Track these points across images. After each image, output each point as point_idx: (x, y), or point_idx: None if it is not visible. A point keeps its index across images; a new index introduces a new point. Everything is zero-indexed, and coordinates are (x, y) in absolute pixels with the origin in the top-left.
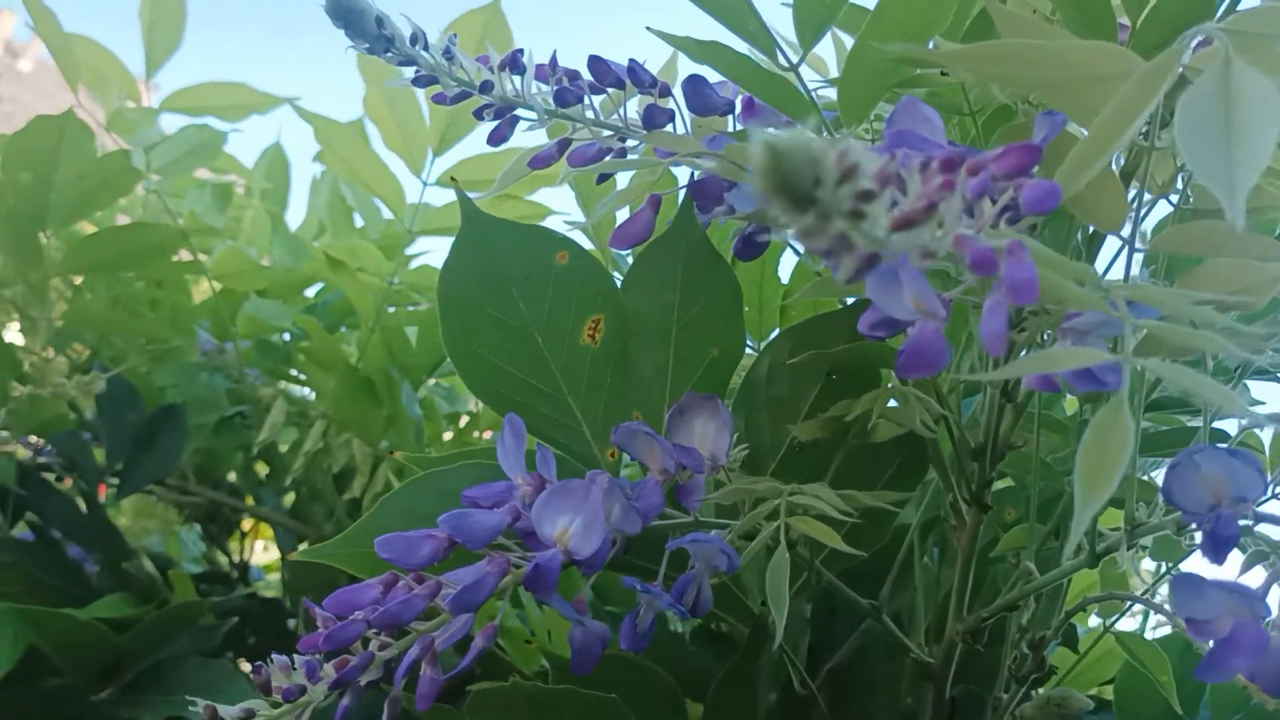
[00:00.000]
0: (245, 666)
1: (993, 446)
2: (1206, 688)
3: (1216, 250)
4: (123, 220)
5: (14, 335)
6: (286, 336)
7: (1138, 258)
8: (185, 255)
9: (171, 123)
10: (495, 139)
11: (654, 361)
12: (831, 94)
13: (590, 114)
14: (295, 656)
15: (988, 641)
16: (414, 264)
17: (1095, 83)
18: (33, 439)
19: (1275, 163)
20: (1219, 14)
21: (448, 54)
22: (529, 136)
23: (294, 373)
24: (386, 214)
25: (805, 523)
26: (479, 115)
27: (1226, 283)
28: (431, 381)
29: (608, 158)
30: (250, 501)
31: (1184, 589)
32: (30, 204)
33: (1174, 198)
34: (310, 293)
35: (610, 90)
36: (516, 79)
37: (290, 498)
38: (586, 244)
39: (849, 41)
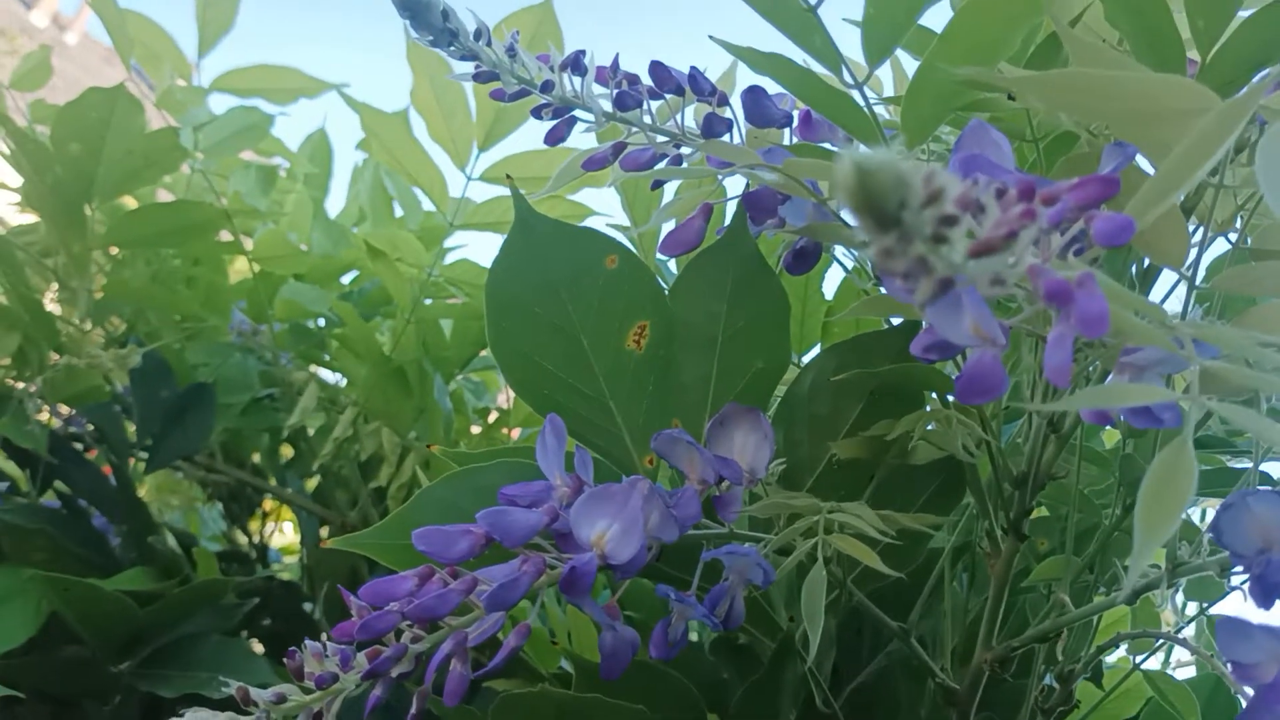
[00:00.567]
0: (258, 648)
1: (1034, 475)
2: None
3: (1276, 291)
4: (166, 197)
5: (52, 305)
6: (321, 322)
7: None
8: (227, 236)
9: (220, 103)
10: (553, 139)
11: (698, 370)
12: (889, 113)
13: (647, 119)
14: (329, 644)
15: (1014, 671)
16: (452, 257)
17: (1169, 117)
18: (65, 409)
19: None
20: None
21: (511, 51)
22: (579, 138)
23: (327, 359)
24: (426, 205)
25: (844, 541)
26: (537, 114)
27: None
28: (461, 376)
29: (661, 164)
30: (274, 484)
31: (1229, 632)
32: (77, 175)
33: (1232, 236)
34: (346, 280)
35: (669, 96)
36: (576, 80)
37: (313, 483)
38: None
39: (908, 62)
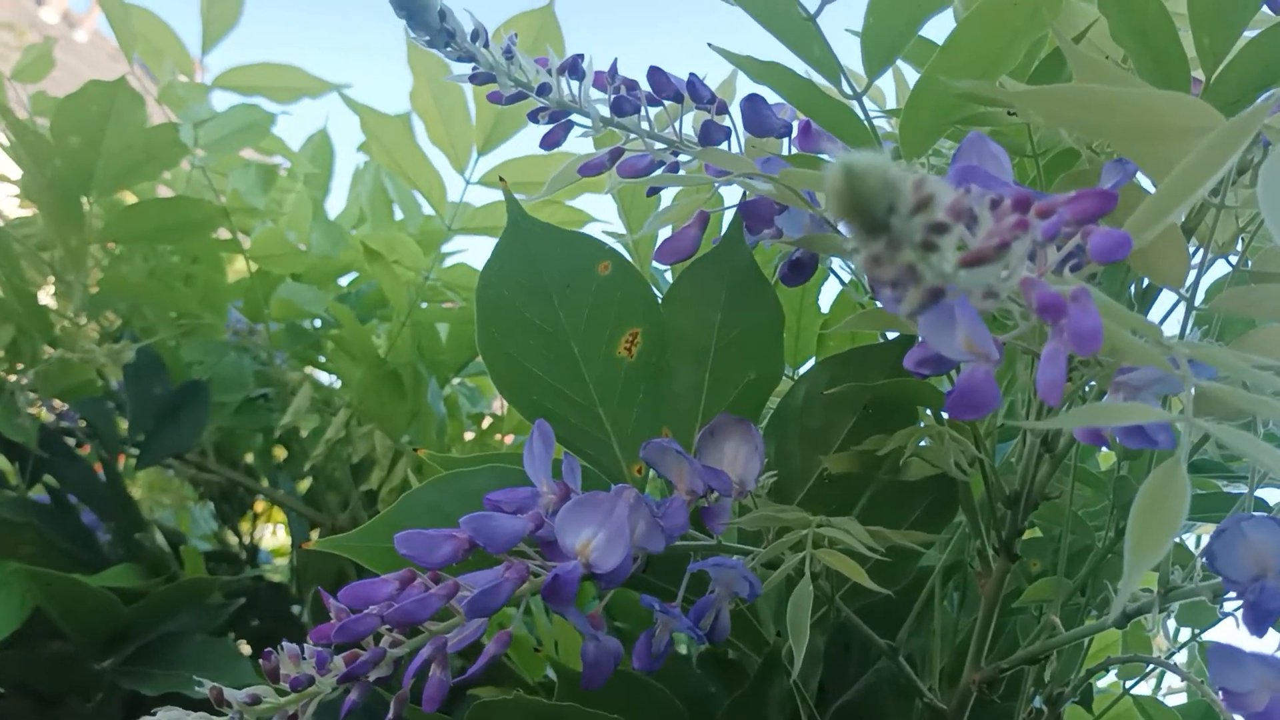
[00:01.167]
0: (245, 649)
1: (1027, 495)
2: None
3: (1275, 314)
4: (165, 193)
5: (47, 299)
6: (318, 323)
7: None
8: (225, 233)
9: (222, 100)
10: (549, 143)
11: (689, 380)
12: (889, 125)
13: (645, 125)
14: (305, 646)
15: (1002, 693)
16: (450, 261)
17: (1172, 135)
18: (57, 403)
19: None
20: None
21: (508, 53)
22: (577, 143)
23: (322, 360)
24: (426, 209)
25: (832, 556)
26: (534, 118)
27: None
28: (456, 381)
29: (658, 171)
30: (266, 484)
31: (1221, 659)
32: (76, 168)
33: (1233, 259)
34: (344, 282)
35: (667, 103)
36: (574, 84)
37: (305, 485)
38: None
39: (909, 75)
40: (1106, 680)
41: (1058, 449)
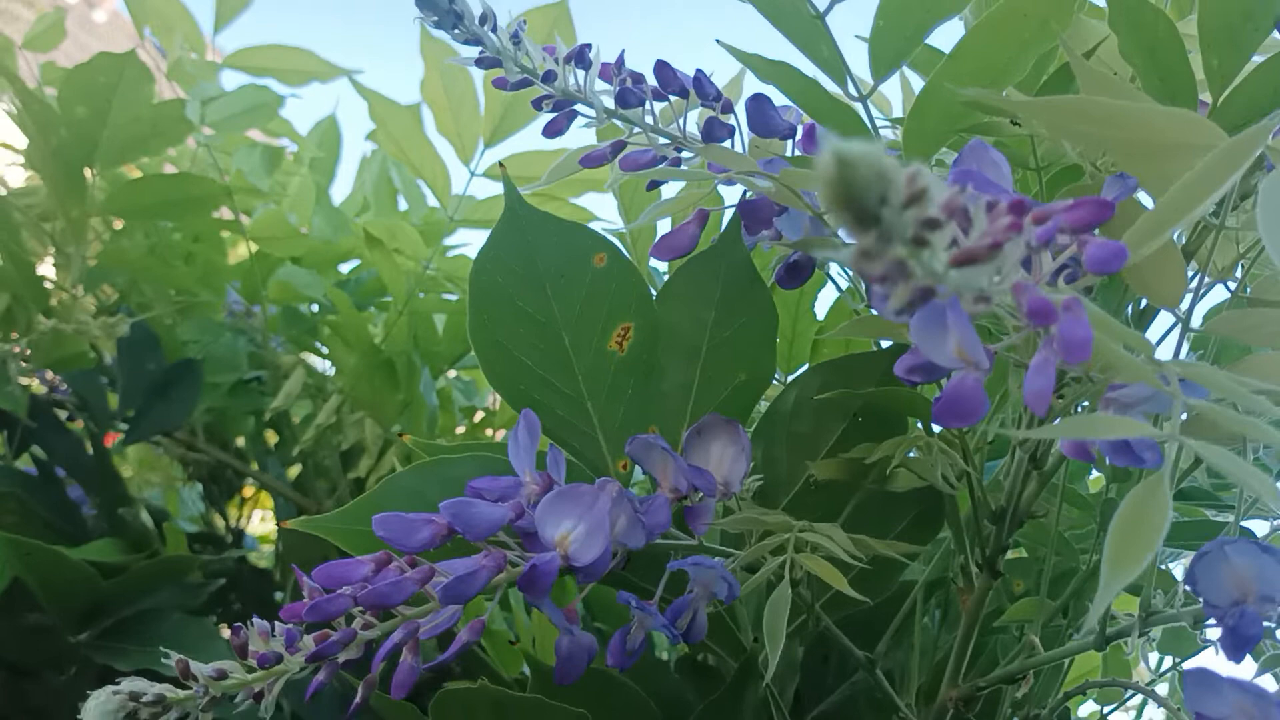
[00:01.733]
0: (226, 632)
1: (1013, 511)
2: None
3: (1272, 340)
4: (169, 171)
5: (46, 269)
6: (315, 308)
7: (1189, 339)
8: (226, 213)
9: (232, 81)
10: (551, 131)
11: (679, 378)
12: (894, 134)
13: (649, 119)
14: (276, 624)
15: (979, 712)
16: (451, 254)
17: (1176, 151)
18: (49, 374)
19: None
20: None
21: (515, 39)
22: (581, 138)
23: (318, 347)
24: (431, 202)
25: (813, 561)
26: (538, 105)
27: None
28: (452, 374)
29: (660, 166)
30: (255, 467)
31: (1198, 684)
32: (82, 139)
33: (1232, 285)
34: (345, 270)
35: (673, 98)
36: (580, 74)
37: (295, 471)
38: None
39: (916, 84)
40: (1086, 709)
41: (1046, 466)
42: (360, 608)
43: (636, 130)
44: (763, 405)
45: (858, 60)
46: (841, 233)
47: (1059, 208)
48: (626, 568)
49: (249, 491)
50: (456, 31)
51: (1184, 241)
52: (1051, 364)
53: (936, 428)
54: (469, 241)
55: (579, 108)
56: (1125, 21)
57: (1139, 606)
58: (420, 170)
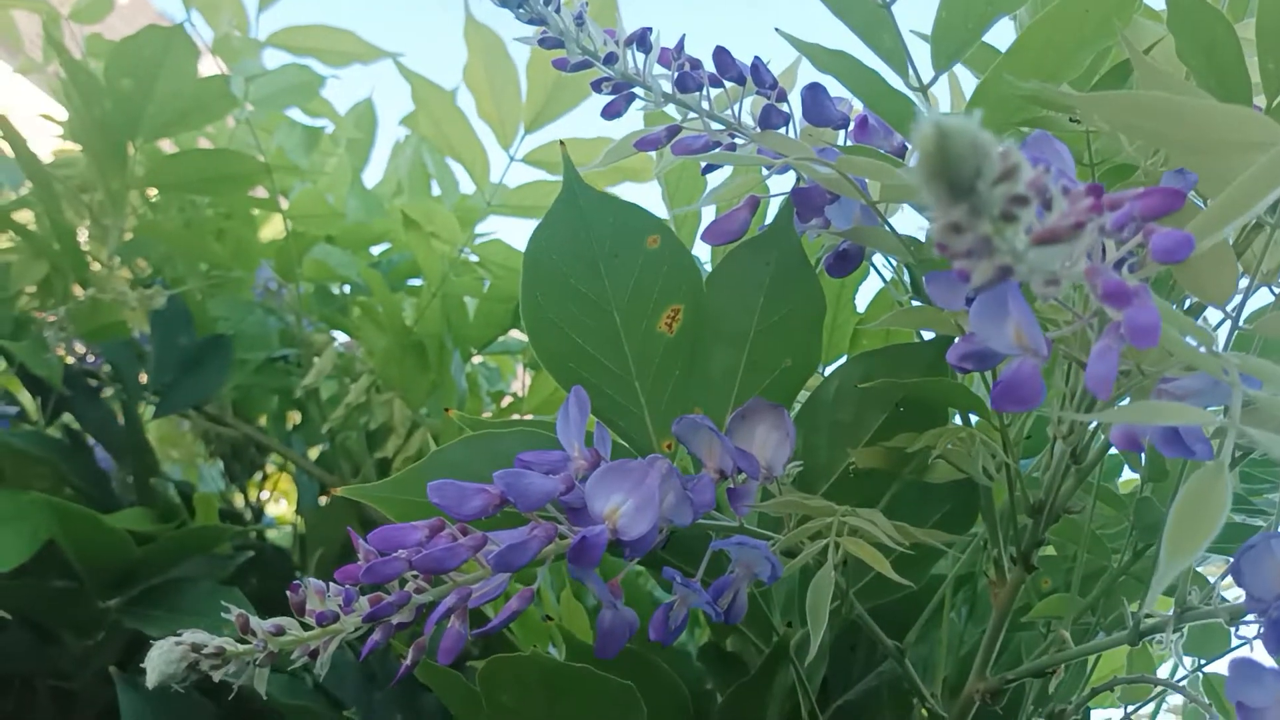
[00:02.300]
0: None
1: (1051, 506)
2: None
3: None
4: (206, 146)
5: (82, 241)
6: (347, 289)
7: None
8: (261, 191)
9: (274, 60)
10: (610, 112)
11: (726, 361)
12: None
13: (705, 105)
14: (332, 585)
15: (1005, 705)
16: (482, 240)
17: (1234, 149)
18: (83, 346)
19: None
20: None
21: (579, 19)
22: (621, 125)
23: (348, 328)
24: (464, 188)
25: (855, 544)
26: (596, 87)
27: None
28: (478, 360)
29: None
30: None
31: (1241, 674)
32: (126, 111)
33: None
34: (377, 253)
35: (728, 85)
36: (640, 57)
37: (315, 452)
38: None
39: (966, 82)
40: (1105, 713)
41: (1085, 462)
42: (413, 573)
43: (691, 116)
44: (803, 395)
45: (915, 55)
46: (894, 218)
47: (1130, 195)
48: (665, 548)
49: (270, 471)
50: (521, 11)
51: (1232, 242)
52: (1115, 351)
53: (974, 420)
54: (499, 229)
55: (637, 91)
56: (1183, 22)
57: (1174, 603)
58: (459, 154)
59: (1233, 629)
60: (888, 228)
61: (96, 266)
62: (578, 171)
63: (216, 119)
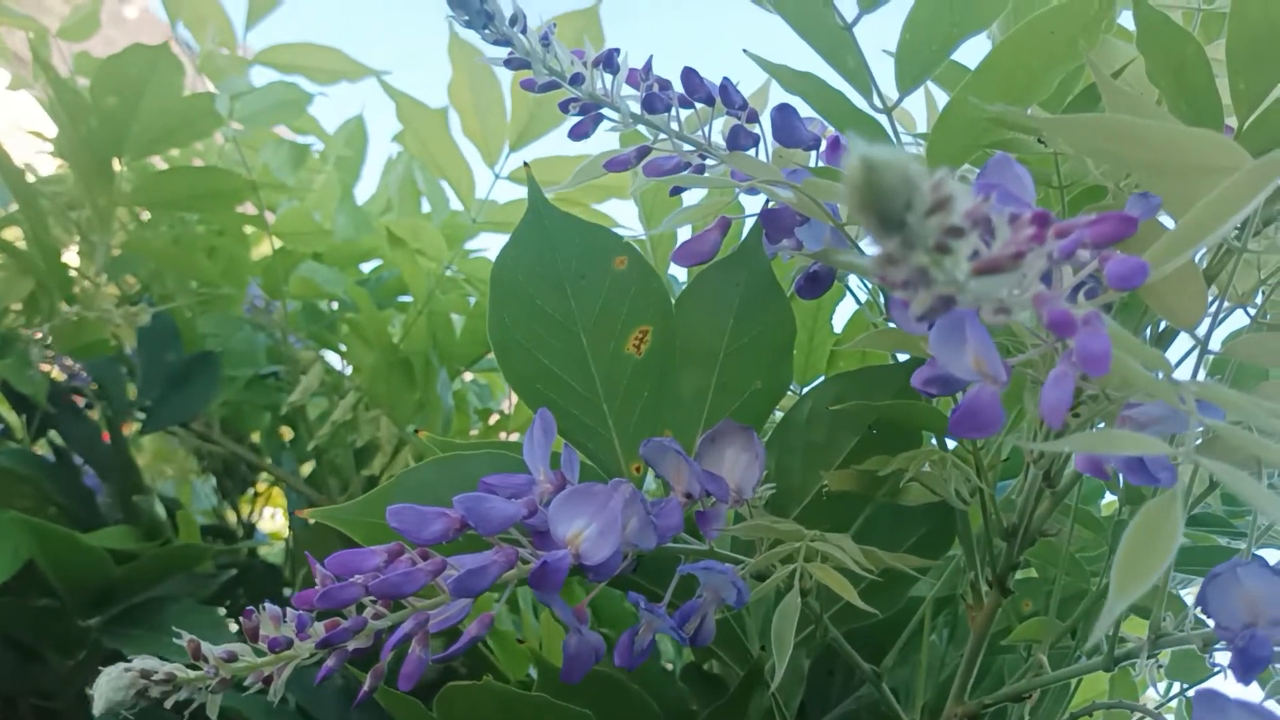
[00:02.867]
0: (232, 627)
1: (1025, 529)
2: None
3: None
4: (197, 164)
5: (70, 258)
6: (335, 306)
7: (1205, 365)
8: (250, 209)
9: (262, 78)
10: (577, 133)
11: (696, 383)
12: (918, 149)
13: (674, 126)
14: (287, 610)
15: None
16: (472, 256)
17: (1200, 173)
18: (70, 362)
19: None
20: None
21: (545, 41)
22: (606, 143)
23: (339, 347)
24: (454, 204)
25: (823, 571)
26: (564, 108)
27: None
28: (469, 377)
29: (684, 173)
30: (269, 462)
31: (1206, 705)
32: (111, 129)
33: (1251, 311)
34: (366, 269)
35: (698, 106)
36: (607, 78)
37: (308, 468)
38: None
39: (941, 100)
40: None
41: (1059, 485)
42: (371, 598)
43: (662, 136)
44: (777, 415)
45: (883, 75)
46: (864, 241)
47: (1082, 222)
48: (636, 571)
49: (261, 488)
50: (487, 31)
51: (1205, 265)
52: (1069, 377)
53: (951, 443)
54: (488, 246)
55: (605, 112)
56: (1153, 43)
57: (1148, 629)
58: (445, 172)
59: (1207, 655)
60: (857, 250)
61: (85, 283)
62: (543, 192)
63: (203, 136)
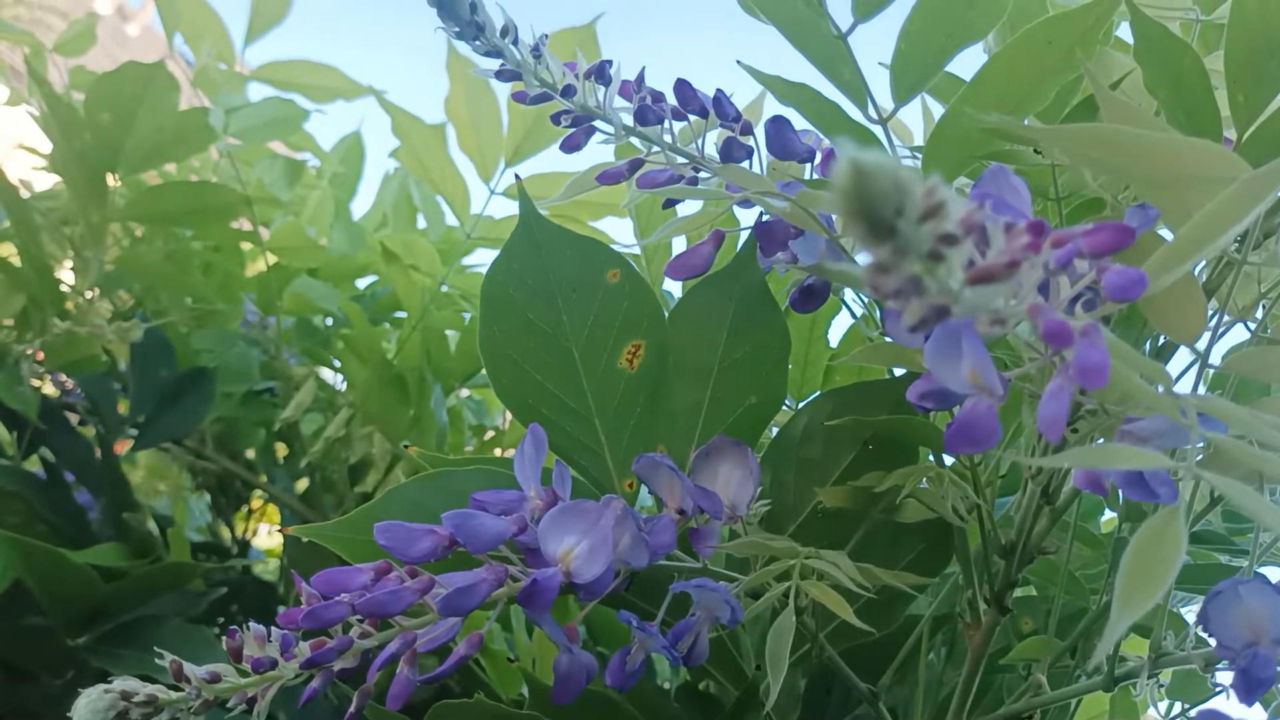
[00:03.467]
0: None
1: (1023, 547)
2: None
3: None
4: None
5: (66, 274)
6: (329, 322)
7: (1206, 379)
8: (245, 224)
9: (259, 94)
10: (569, 145)
11: (689, 398)
12: (915, 163)
13: (668, 138)
14: (272, 630)
15: None
16: (467, 272)
17: (1198, 184)
18: (63, 378)
19: None
20: None
21: (536, 52)
22: (603, 158)
23: (334, 362)
24: (449, 221)
25: (817, 588)
26: (556, 120)
27: None
28: (464, 393)
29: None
30: (263, 479)
31: None
32: (105, 145)
33: (1252, 326)
34: (362, 286)
35: (692, 118)
36: (600, 90)
37: (303, 485)
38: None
39: (938, 113)
40: None
41: (1058, 501)
42: (358, 616)
43: (655, 149)
44: (773, 430)
45: (879, 88)
46: (858, 250)
47: (1078, 231)
48: (630, 589)
49: (256, 504)
50: (478, 43)
51: (1205, 279)
52: (1066, 391)
53: (948, 460)
54: (483, 261)
55: (598, 124)
56: (1152, 54)
57: (1149, 648)
58: (440, 187)
59: (1209, 675)
60: (852, 262)
61: (78, 299)
62: (535, 205)
63: (197, 151)
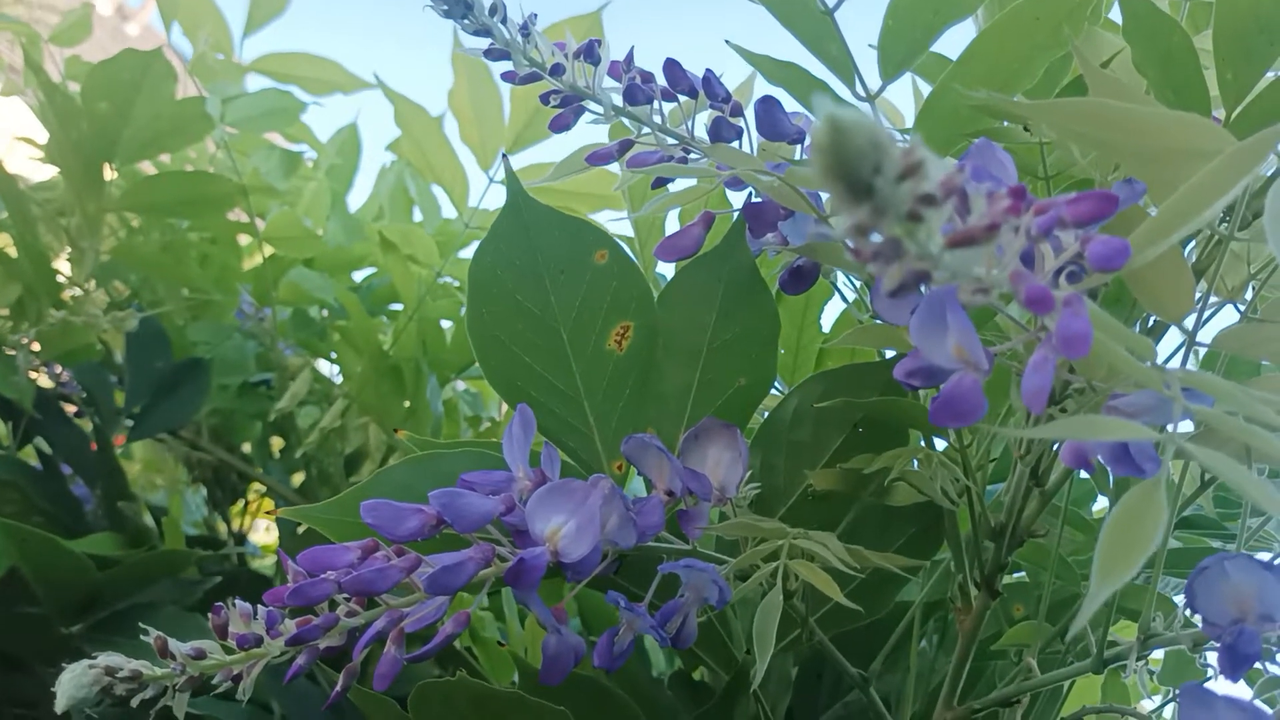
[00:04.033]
0: None
1: (1013, 529)
2: None
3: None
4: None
5: (61, 265)
6: (325, 313)
7: (1196, 360)
8: (241, 215)
9: (258, 85)
10: (557, 125)
11: (678, 380)
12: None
13: (658, 119)
14: (258, 607)
15: None
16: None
17: (1185, 157)
18: (58, 368)
19: None
20: None
21: (525, 31)
22: (598, 140)
23: (330, 355)
24: (446, 213)
25: (806, 568)
26: (545, 100)
27: None
28: (461, 386)
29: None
30: (259, 470)
31: (1193, 701)
32: (102, 134)
33: (1241, 307)
34: (358, 278)
35: (682, 98)
36: (589, 70)
37: (299, 478)
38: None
39: (927, 91)
40: None
41: (1047, 484)
42: (345, 595)
43: (645, 130)
44: (763, 414)
45: (868, 70)
46: (838, 216)
47: (1061, 200)
48: (619, 572)
49: (253, 498)
50: (466, 22)
51: (1194, 259)
52: (1050, 362)
53: (939, 443)
54: None
55: (587, 104)
56: (1140, 32)
57: (1138, 629)
58: (440, 177)
59: (1198, 657)
60: (842, 243)
61: (74, 289)
62: (523, 187)
63: (194, 141)
